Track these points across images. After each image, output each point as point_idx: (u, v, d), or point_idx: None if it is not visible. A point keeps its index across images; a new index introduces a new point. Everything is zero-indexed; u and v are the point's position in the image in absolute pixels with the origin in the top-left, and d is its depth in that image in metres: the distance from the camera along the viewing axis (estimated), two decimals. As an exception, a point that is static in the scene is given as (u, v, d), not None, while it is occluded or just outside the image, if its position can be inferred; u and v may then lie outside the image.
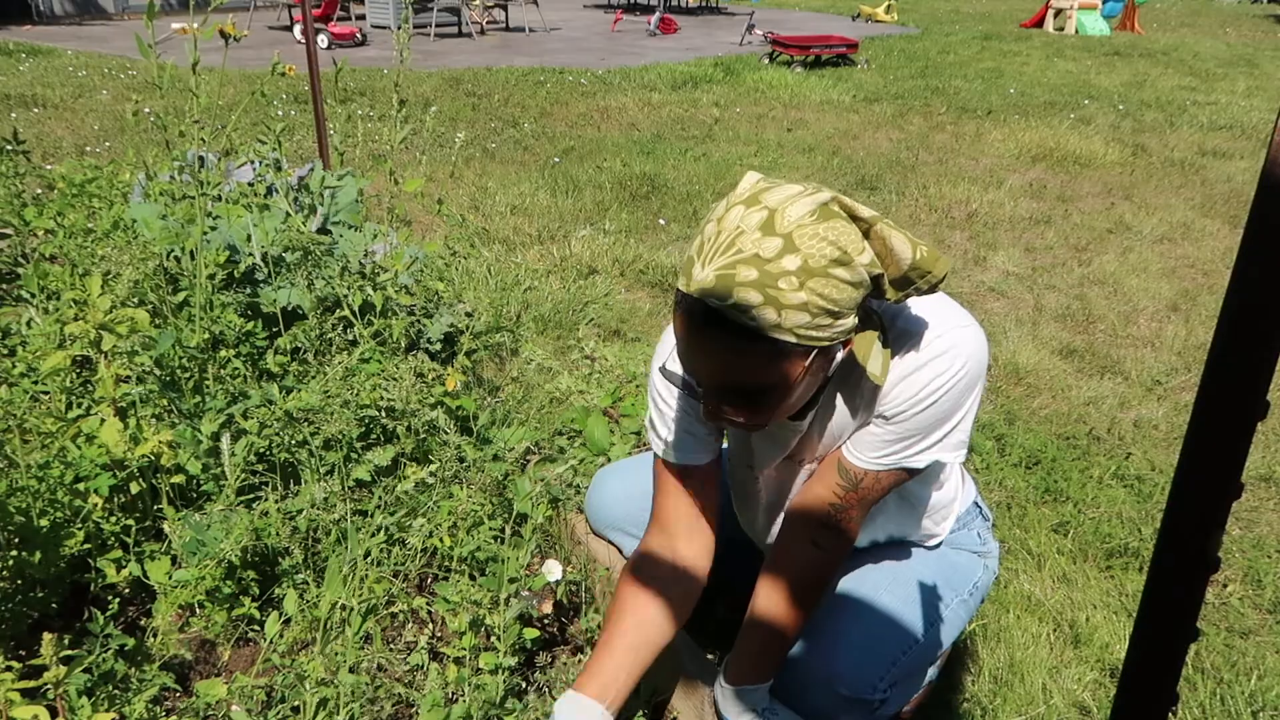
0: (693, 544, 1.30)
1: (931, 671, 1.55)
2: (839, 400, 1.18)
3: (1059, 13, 13.64)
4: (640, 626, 1.24)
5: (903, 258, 0.97)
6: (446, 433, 1.61)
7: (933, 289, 1.02)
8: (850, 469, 1.19)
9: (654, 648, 1.25)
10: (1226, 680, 1.73)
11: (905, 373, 1.11)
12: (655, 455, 1.31)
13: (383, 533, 1.45)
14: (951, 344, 1.09)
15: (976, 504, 1.51)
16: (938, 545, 1.47)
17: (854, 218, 0.97)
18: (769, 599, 1.24)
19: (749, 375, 0.99)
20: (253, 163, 2.12)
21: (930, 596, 1.41)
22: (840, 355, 1.05)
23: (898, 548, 1.47)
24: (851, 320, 0.99)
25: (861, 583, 1.39)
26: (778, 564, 1.26)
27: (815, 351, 0.99)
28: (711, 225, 0.96)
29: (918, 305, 1.12)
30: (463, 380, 1.76)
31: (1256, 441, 2.56)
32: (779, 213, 0.93)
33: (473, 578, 1.44)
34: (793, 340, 0.95)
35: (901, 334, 1.11)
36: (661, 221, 4.43)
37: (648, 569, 1.29)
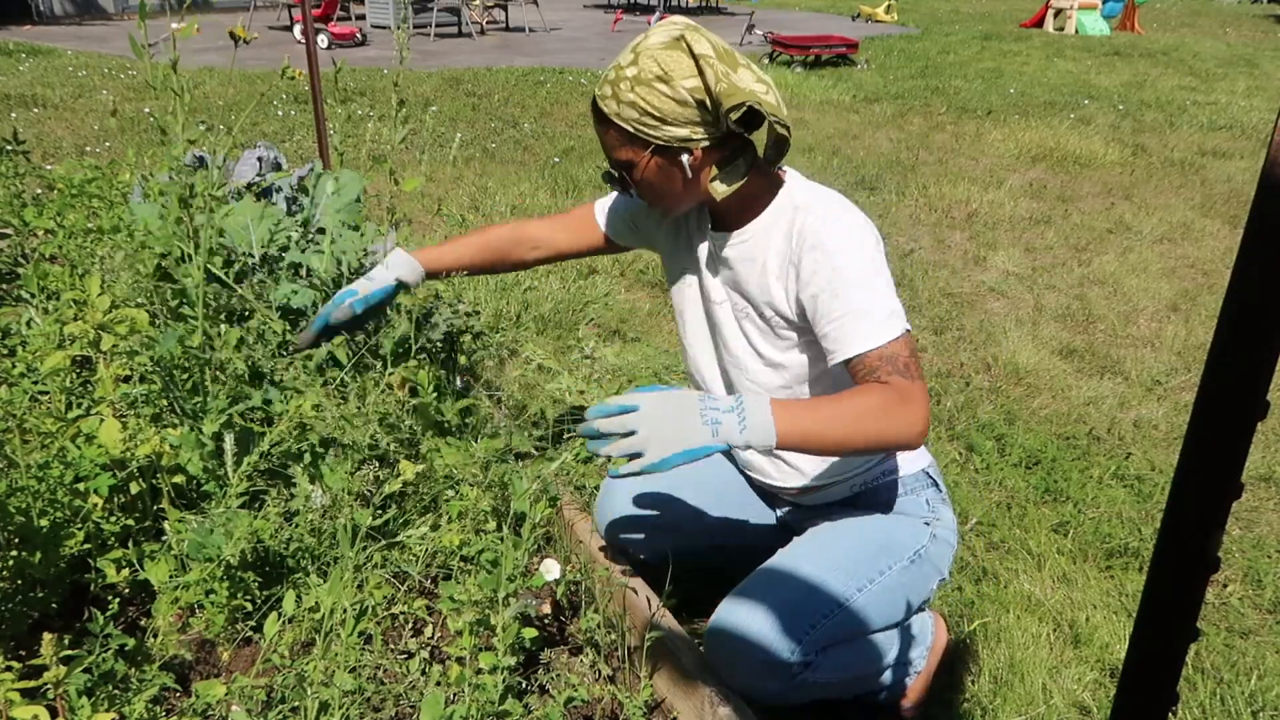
0: (557, 244, 1.71)
1: (915, 656, 1.54)
2: (757, 259, 1.39)
3: (1059, 13, 13.64)
4: (486, 245, 1.70)
5: (710, 87, 1.24)
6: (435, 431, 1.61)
7: (749, 119, 1.29)
8: (854, 357, 1.24)
9: (489, 254, 1.71)
10: (1226, 680, 1.73)
11: (807, 245, 1.31)
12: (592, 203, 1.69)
13: (382, 534, 1.45)
14: (847, 228, 1.31)
15: (927, 472, 1.53)
16: (867, 489, 1.51)
17: (693, 54, 1.24)
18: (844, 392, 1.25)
19: (611, 151, 1.35)
20: (260, 159, 2.11)
21: (860, 563, 1.44)
22: (686, 162, 1.30)
23: (834, 516, 1.52)
24: (684, 131, 1.27)
25: (785, 555, 1.47)
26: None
27: (652, 148, 1.30)
28: None
29: (812, 190, 1.39)
30: (450, 383, 1.76)
31: (1256, 441, 2.56)
32: (645, 39, 1.28)
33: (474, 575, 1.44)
34: (630, 129, 1.29)
35: (798, 206, 1.37)
36: (661, 221, 4.42)
37: (521, 229, 1.72)
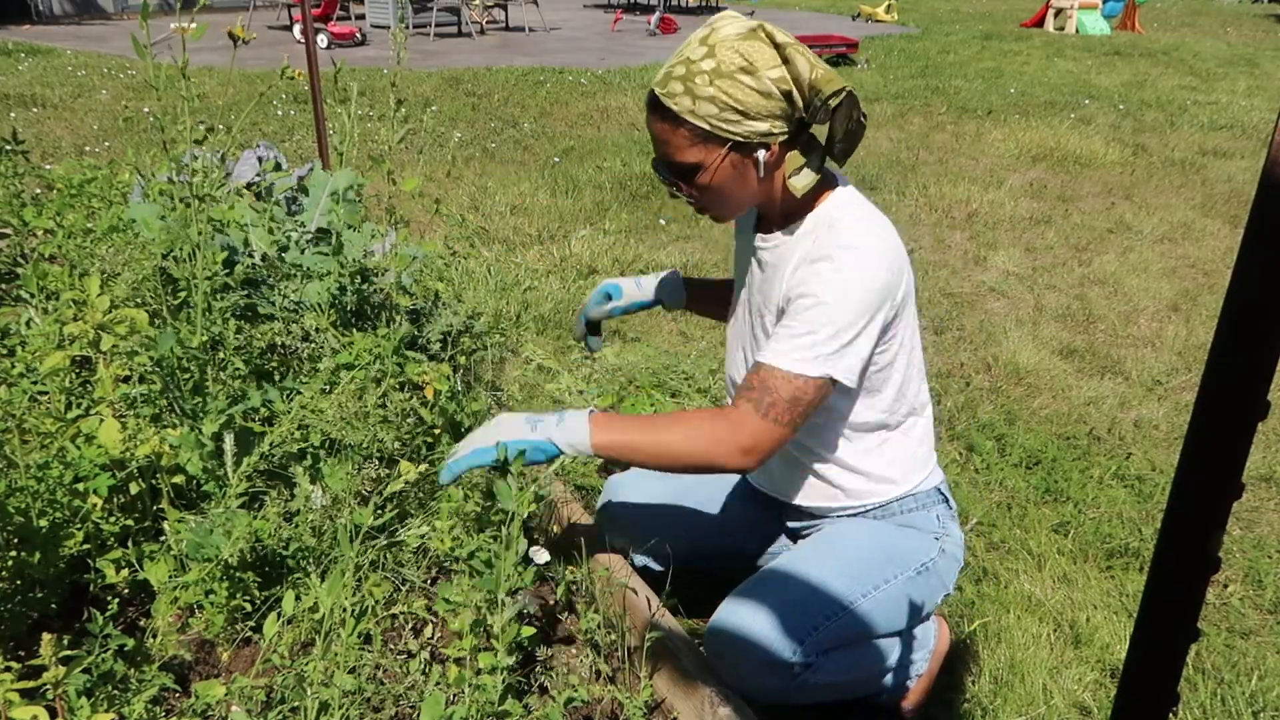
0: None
1: (918, 659, 1.54)
2: (779, 268, 1.36)
3: (1059, 12, 13.64)
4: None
5: (802, 77, 1.20)
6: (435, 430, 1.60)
7: (833, 111, 1.22)
8: (758, 361, 1.30)
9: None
10: (1227, 681, 1.73)
11: (812, 258, 1.29)
12: None
13: (381, 534, 1.45)
14: (857, 257, 1.26)
15: (939, 490, 1.53)
16: (868, 511, 1.50)
17: (774, 43, 1.20)
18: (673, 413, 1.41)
19: (677, 152, 1.27)
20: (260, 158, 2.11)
21: (866, 569, 1.43)
22: (762, 159, 1.26)
23: (841, 525, 1.51)
24: (765, 125, 1.23)
25: (790, 557, 1.47)
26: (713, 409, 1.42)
27: (730, 145, 1.24)
28: (680, 47, 1.25)
29: (854, 209, 1.34)
30: (448, 387, 1.76)
31: (1256, 441, 2.56)
32: (715, 30, 1.22)
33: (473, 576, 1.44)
34: (706, 127, 1.22)
35: (831, 224, 1.32)
36: (662, 221, 4.42)
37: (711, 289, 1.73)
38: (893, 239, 1.34)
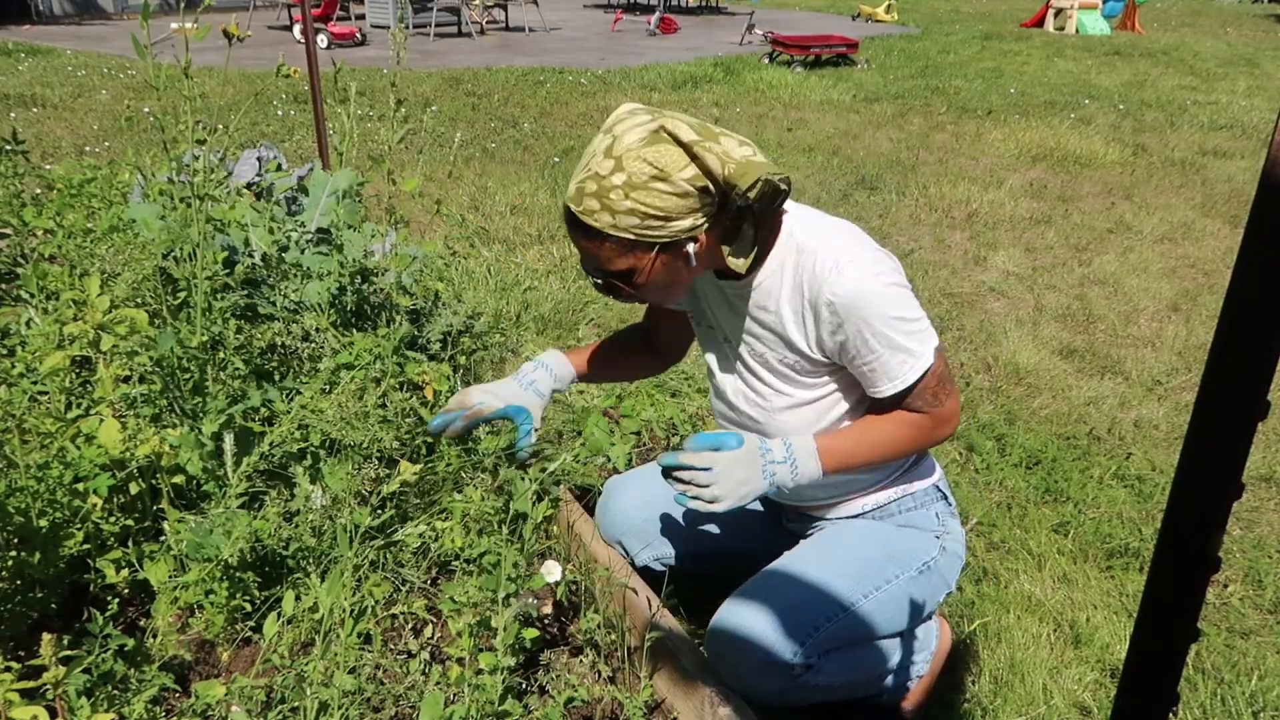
0: (659, 339, 1.70)
1: (919, 660, 1.54)
2: (768, 306, 1.36)
3: (1059, 12, 13.64)
4: (612, 356, 1.68)
5: (715, 173, 1.18)
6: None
7: (767, 196, 1.21)
8: (893, 400, 1.33)
9: (617, 369, 1.74)
10: (1227, 681, 1.73)
11: (813, 292, 1.29)
12: None
13: (380, 534, 1.45)
14: (854, 263, 1.27)
15: (938, 487, 1.53)
16: (868, 511, 1.50)
17: (679, 142, 1.18)
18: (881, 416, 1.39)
19: (606, 263, 1.26)
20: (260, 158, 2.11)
21: (867, 569, 1.43)
22: (693, 250, 1.25)
23: (841, 525, 1.52)
24: (689, 222, 1.22)
25: (791, 558, 1.47)
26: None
27: (657, 248, 1.23)
28: (585, 151, 1.24)
29: (810, 223, 1.34)
30: (448, 386, 1.76)
31: (1256, 441, 2.56)
32: (618, 140, 1.19)
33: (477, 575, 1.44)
34: (630, 237, 1.21)
35: (803, 248, 1.31)
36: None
37: (629, 336, 1.72)
38: (856, 229, 1.36)
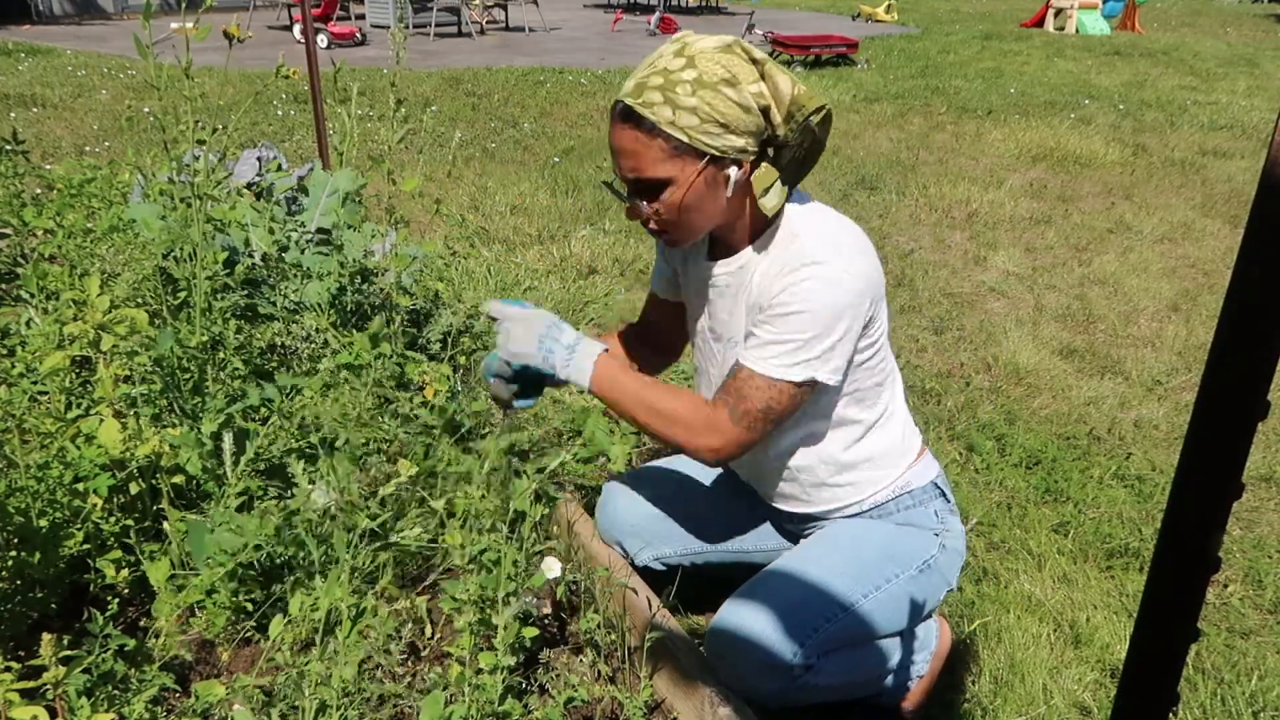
0: (659, 340, 1.68)
1: (919, 661, 1.54)
2: (743, 289, 1.36)
3: (1059, 12, 13.64)
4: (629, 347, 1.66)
5: (784, 92, 1.19)
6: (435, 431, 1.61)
7: (814, 128, 1.22)
8: (738, 362, 1.33)
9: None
10: (1227, 681, 1.73)
11: (789, 269, 1.26)
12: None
13: (381, 534, 1.45)
14: (832, 265, 1.24)
15: (936, 484, 1.53)
16: (865, 511, 1.50)
17: (751, 59, 1.19)
18: (664, 385, 1.40)
19: (650, 166, 1.22)
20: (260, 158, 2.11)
21: (867, 569, 1.43)
22: (735, 177, 1.23)
23: (840, 525, 1.51)
24: (742, 141, 1.20)
25: (791, 558, 1.47)
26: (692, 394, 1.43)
27: (707, 159, 1.21)
28: (645, 59, 1.22)
29: (820, 218, 1.32)
30: (448, 386, 1.76)
31: (1256, 441, 2.56)
32: (691, 44, 1.20)
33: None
34: (684, 139, 1.18)
35: (795, 235, 1.30)
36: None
37: (633, 338, 1.68)
38: (861, 239, 1.33)
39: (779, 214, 1.33)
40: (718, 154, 1.21)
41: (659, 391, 1.36)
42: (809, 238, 1.30)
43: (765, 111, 1.20)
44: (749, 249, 1.36)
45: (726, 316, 1.41)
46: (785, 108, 1.20)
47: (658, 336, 1.69)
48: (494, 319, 1.38)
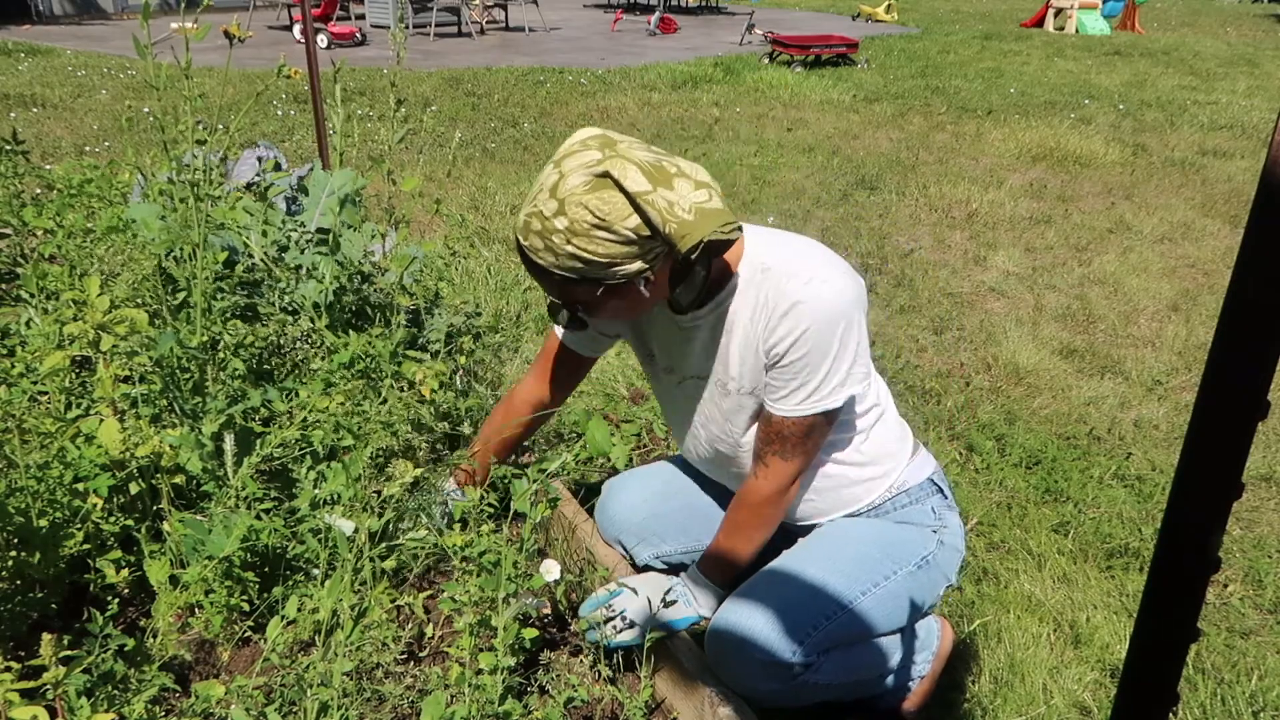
0: (546, 393, 1.65)
1: (920, 660, 1.54)
2: (724, 331, 1.37)
3: (1059, 12, 13.64)
4: (502, 446, 1.67)
5: (656, 228, 1.16)
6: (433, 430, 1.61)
7: (713, 251, 1.20)
8: (768, 414, 1.37)
9: (507, 449, 1.69)
10: (1227, 680, 1.73)
11: (777, 310, 1.28)
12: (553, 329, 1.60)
13: (380, 534, 1.45)
14: (818, 291, 1.26)
15: (933, 480, 1.53)
16: (863, 511, 1.50)
17: (625, 192, 1.14)
18: (729, 518, 1.47)
19: (556, 292, 1.27)
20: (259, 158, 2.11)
21: (865, 567, 1.43)
22: (644, 288, 1.23)
23: (837, 524, 1.52)
24: (634, 266, 1.19)
25: (790, 557, 1.48)
26: (739, 493, 1.48)
27: (602, 286, 1.21)
28: (535, 181, 1.22)
29: (781, 245, 1.33)
30: (442, 384, 1.76)
31: (1256, 441, 2.56)
32: (564, 179, 1.16)
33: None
34: (575, 277, 1.20)
35: (766, 268, 1.31)
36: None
37: (513, 408, 1.65)
38: (824, 250, 1.34)
39: (738, 260, 1.33)
40: (614, 283, 1.20)
41: (733, 531, 1.46)
42: (779, 269, 1.30)
43: (649, 238, 1.16)
44: (719, 297, 1.35)
45: (705, 359, 1.42)
46: (680, 216, 1.15)
47: (555, 390, 1.64)
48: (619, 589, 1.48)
